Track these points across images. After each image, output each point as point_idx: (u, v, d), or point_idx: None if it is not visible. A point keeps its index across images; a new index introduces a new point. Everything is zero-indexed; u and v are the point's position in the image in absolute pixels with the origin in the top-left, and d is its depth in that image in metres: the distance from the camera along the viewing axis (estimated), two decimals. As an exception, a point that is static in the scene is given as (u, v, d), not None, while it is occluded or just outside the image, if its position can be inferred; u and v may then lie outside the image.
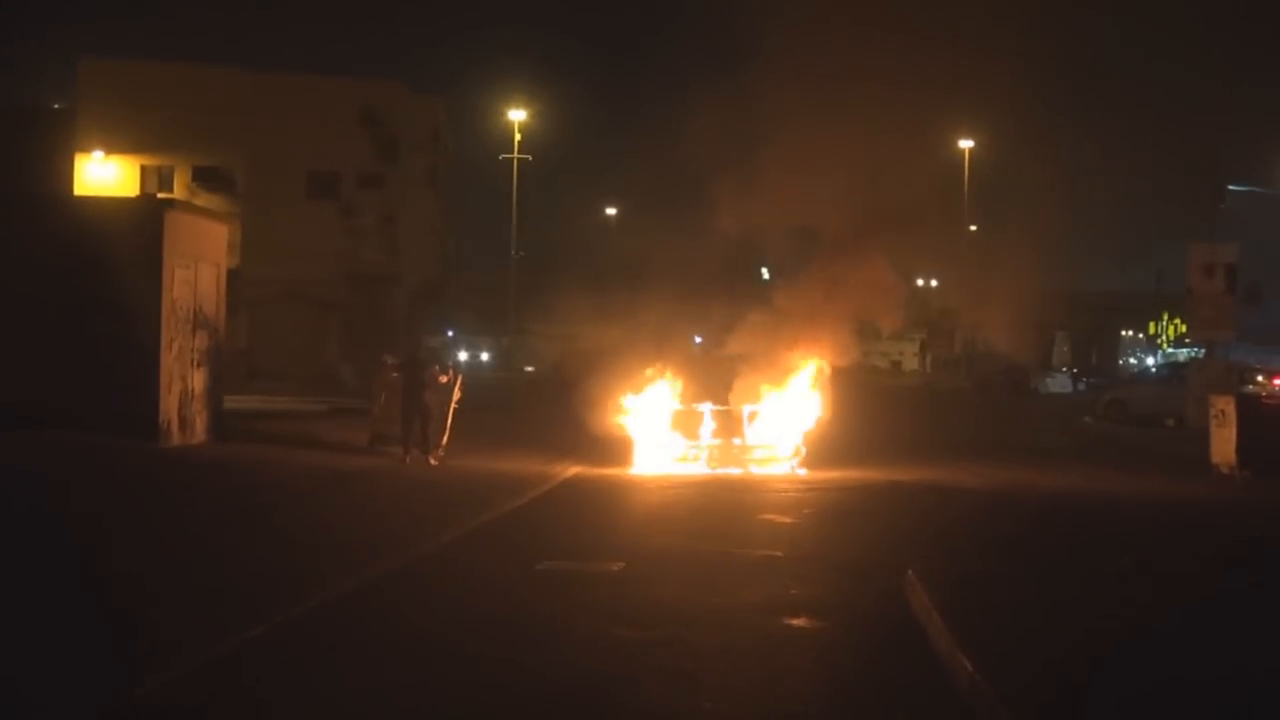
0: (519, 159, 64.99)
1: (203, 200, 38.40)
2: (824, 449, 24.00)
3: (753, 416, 24.22)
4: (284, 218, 42.22)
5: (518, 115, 65.30)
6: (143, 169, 43.38)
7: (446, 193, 55.66)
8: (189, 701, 8.03)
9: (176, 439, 21.03)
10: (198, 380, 21.92)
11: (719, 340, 27.53)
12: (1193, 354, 58.13)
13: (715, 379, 25.07)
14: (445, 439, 22.33)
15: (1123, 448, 29.99)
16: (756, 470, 23.17)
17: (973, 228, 63.15)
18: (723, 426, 24.05)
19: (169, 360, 20.77)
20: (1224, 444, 23.11)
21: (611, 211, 66.32)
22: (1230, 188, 38.59)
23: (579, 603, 11.06)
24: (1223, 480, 22.48)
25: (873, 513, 17.90)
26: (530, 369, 60.44)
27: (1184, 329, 69.09)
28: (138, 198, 33.21)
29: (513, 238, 66.50)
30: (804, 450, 23.85)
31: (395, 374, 22.70)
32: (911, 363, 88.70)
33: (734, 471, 23.01)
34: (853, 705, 8.41)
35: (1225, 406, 23.26)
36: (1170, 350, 72.21)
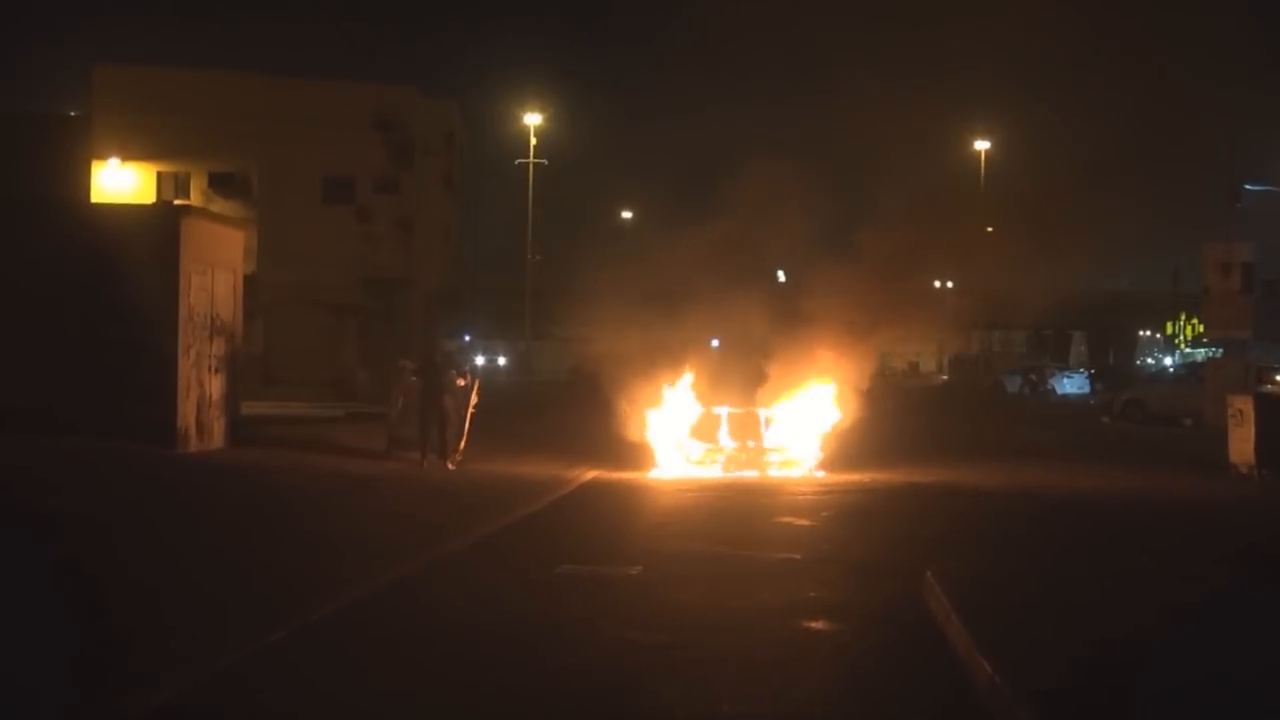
0: (534, 163, 65.15)
1: (219, 206, 38.48)
2: (842, 451, 23.99)
3: (769, 421, 24.19)
4: (300, 223, 42.26)
5: (533, 119, 65.41)
6: (159, 175, 43.44)
7: (463, 197, 55.67)
8: (202, 708, 8.06)
9: (194, 445, 21.08)
10: (215, 386, 21.96)
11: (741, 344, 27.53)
12: (1210, 353, 57.92)
13: (738, 382, 25.13)
14: (463, 444, 22.33)
15: (1141, 447, 29.84)
16: (775, 473, 23.16)
17: (989, 229, 63.09)
18: (740, 430, 24.03)
19: (186, 366, 20.82)
20: (1242, 443, 22.98)
21: (628, 215, 66.49)
22: (1247, 187, 38.57)
23: (598, 606, 11.07)
24: (1241, 480, 22.36)
25: (890, 514, 17.86)
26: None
27: (1201, 329, 69.07)
28: (154, 204, 33.25)
29: (528, 241, 66.59)
30: (822, 453, 23.87)
31: (413, 378, 22.70)
32: (930, 363, 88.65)
33: (752, 474, 23.00)
34: (871, 708, 8.40)
35: (1243, 406, 23.15)
36: (1188, 350, 72.08)
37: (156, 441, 19.99)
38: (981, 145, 59.67)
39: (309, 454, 22.51)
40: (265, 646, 9.28)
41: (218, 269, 22.19)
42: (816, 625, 10.64)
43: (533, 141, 65.40)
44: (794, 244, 33.88)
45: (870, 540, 15.39)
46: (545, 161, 65.72)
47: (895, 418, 32.22)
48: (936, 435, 31.03)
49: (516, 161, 65.98)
